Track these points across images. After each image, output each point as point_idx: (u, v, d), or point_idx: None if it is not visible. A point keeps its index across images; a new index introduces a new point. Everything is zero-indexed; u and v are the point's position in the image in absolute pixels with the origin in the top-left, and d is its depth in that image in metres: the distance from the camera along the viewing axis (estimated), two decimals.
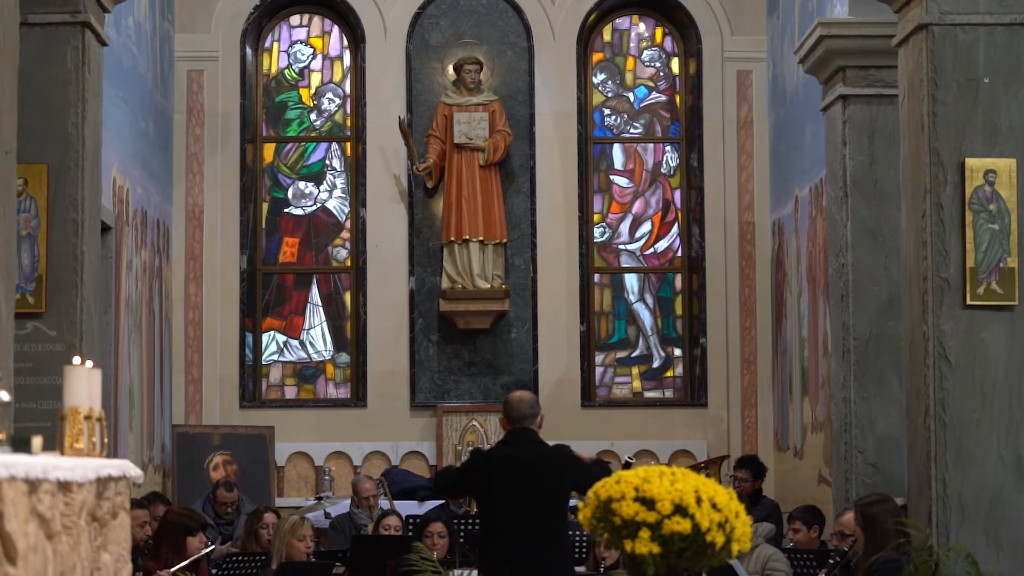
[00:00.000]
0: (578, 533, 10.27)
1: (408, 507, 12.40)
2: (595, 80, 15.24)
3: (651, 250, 15.16)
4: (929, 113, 8.55)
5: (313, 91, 15.19)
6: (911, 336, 8.76)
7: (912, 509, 8.66)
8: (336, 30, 15.22)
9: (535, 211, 14.75)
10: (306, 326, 14.99)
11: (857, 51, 10.95)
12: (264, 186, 15.06)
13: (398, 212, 14.77)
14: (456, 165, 14.44)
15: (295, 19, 15.24)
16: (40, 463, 4.15)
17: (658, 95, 15.30)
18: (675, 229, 15.15)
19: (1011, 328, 8.48)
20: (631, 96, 15.30)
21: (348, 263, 14.98)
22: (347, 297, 14.96)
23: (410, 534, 10.59)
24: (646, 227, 15.15)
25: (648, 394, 15.05)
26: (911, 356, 8.76)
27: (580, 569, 9.71)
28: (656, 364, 15.08)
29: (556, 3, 14.93)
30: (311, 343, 14.97)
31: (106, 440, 5.03)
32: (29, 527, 4.01)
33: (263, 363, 14.92)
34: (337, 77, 15.21)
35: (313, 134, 15.18)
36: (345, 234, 15.02)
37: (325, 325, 14.98)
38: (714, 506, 5.27)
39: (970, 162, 8.49)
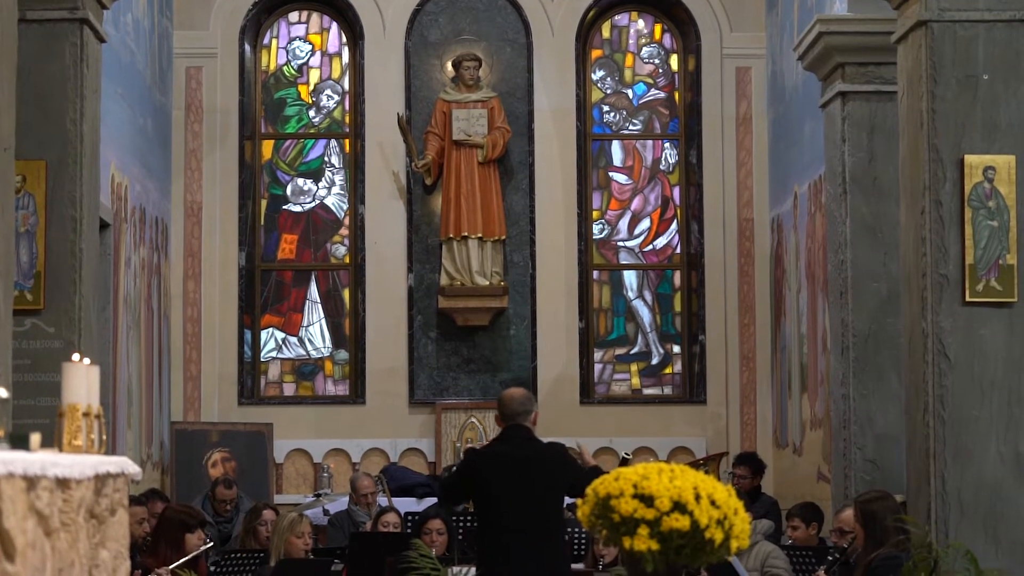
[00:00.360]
0: (577, 530, 10.26)
1: (407, 504, 12.41)
2: (594, 77, 15.24)
3: (650, 247, 15.15)
4: (928, 110, 8.55)
5: (312, 88, 15.19)
6: (910, 333, 8.76)
7: (911, 506, 8.66)
8: (335, 27, 15.21)
9: (534, 208, 14.74)
10: (305, 323, 14.98)
11: (856, 47, 10.95)
12: (263, 183, 15.06)
13: (397, 209, 14.76)
14: (455, 162, 14.43)
15: (294, 16, 15.23)
16: (38, 460, 4.14)
17: (657, 92, 15.29)
18: (674, 226, 15.14)
19: (1010, 325, 8.48)
20: (630, 93, 15.29)
21: (347, 260, 14.98)
22: (346, 294, 14.96)
23: (409, 531, 10.59)
24: (645, 224, 15.15)
25: (647, 391, 15.04)
26: (910, 353, 8.75)
27: (578, 566, 9.71)
28: (655, 361, 15.07)
29: (555, 0, 14.93)
30: (310, 340, 14.97)
31: (104, 437, 5.02)
32: (27, 524, 4.01)
33: (262, 360, 14.92)
34: (336, 74, 15.20)
35: (312, 131, 15.18)
36: (344, 231, 15.02)
37: (324, 322, 14.98)
38: (713, 503, 5.26)
39: (969, 159, 8.49)
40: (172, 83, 14.58)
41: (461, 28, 14.91)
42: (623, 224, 15.14)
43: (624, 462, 9.38)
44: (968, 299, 8.45)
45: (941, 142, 8.52)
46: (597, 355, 15.01)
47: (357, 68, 14.98)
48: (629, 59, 15.30)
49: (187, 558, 8.92)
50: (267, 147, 15.12)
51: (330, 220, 15.07)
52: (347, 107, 15.11)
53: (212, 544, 9.87)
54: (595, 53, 15.27)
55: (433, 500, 12.31)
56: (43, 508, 4.15)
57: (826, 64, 11.23)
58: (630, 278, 15.13)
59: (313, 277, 15.03)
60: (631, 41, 15.33)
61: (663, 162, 15.21)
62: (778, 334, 14.36)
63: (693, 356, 14.89)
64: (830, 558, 8.93)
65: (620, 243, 15.14)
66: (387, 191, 14.79)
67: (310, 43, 15.22)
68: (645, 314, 15.09)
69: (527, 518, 7.99)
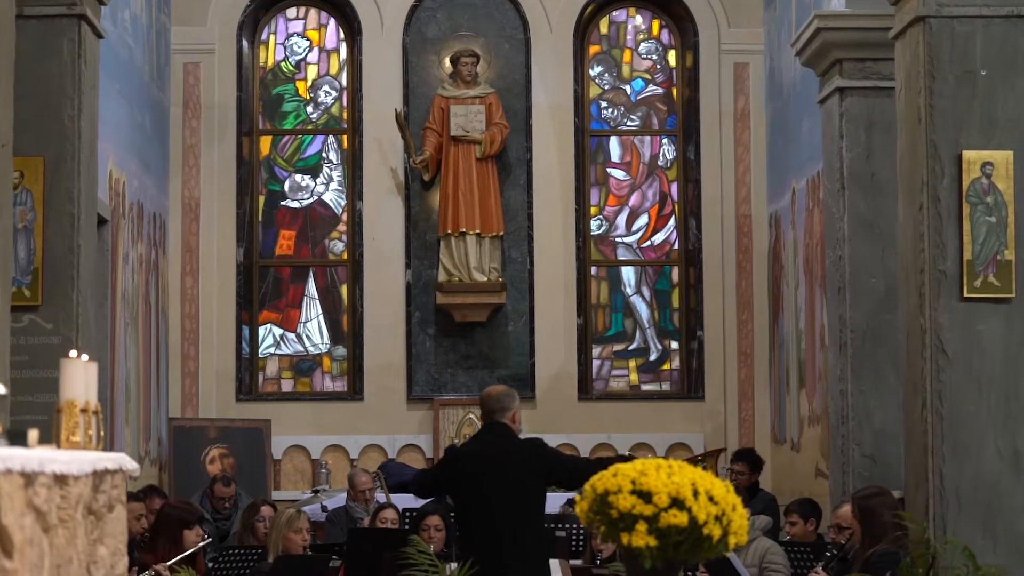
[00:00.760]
0: (575, 526, 10.26)
1: (405, 500, 12.37)
2: (592, 73, 15.23)
3: (648, 243, 15.15)
4: (926, 105, 8.54)
5: (310, 84, 15.18)
6: (908, 329, 8.76)
7: (909, 502, 8.66)
8: (333, 23, 15.21)
9: (532, 204, 14.74)
10: (303, 319, 14.98)
11: (854, 43, 10.94)
12: (261, 179, 15.05)
13: (395, 205, 14.76)
14: (453, 158, 14.43)
15: (291, 12, 15.23)
16: (36, 456, 4.14)
17: (655, 88, 15.29)
18: (672, 222, 15.14)
19: (1008, 321, 8.48)
20: (628, 89, 15.29)
21: (345, 256, 14.98)
22: (344, 290, 14.96)
23: (407, 527, 10.58)
24: (643, 220, 15.15)
25: (645, 387, 15.04)
26: (908, 349, 8.75)
27: (577, 562, 9.72)
28: (653, 357, 15.08)
29: None
30: (308, 336, 14.97)
31: (102, 433, 5.02)
32: (25, 520, 4.00)
33: (260, 356, 14.91)
34: (334, 70, 15.19)
35: (310, 127, 15.18)
36: (342, 227, 15.01)
37: (322, 318, 14.98)
38: (711, 499, 5.26)
39: (967, 154, 8.49)
40: (170, 79, 14.58)
41: (459, 24, 14.91)
42: (621, 220, 15.13)
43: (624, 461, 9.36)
44: (966, 295, 8.45)
45: (939, 138, 8.51)
46: (595, 351, 15.01)
47: (355, 64, 14.98)
48: (627, 55, 15.30)
49: (185, 554, 8.91)
50: (265, 143, 15.12)
51: (328, 216, 15.06)
52: (345, 103, 15.11)
53: (210, 540, 9.87)
54: (593, 49, 15.27)
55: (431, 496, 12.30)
56: (41, 504, 4.15)
57: (824, 60, 11.23)
58: (628, 274, 15.13)
59: (311, 273, 15.03)
60: (629, 37, 15.33)
61: (661, 158, 15.20)
62: (776, 330, 14.36)
63: (691, 352, 14.90)
64: (828, 554, 8.93)
65: (618, 239, 15.14)
66: (385, 187, 14.79)
67: (308, 39, 15.21)
68: (643, 310, 15.09)
69: (499, 513, 8.03)
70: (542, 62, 14.88)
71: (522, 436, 8.54)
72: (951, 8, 8.59)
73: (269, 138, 15.12)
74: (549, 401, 14.51)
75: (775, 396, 14.40)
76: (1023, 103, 8.57)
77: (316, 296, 14.99)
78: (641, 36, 15.31)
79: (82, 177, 8.94)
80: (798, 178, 13.44)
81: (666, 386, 15.06)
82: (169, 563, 8.76)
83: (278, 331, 14.97)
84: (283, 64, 15.19)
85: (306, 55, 15.19)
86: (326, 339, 14.97)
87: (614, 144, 15.24)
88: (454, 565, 8.75)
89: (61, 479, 4.34)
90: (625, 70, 15.30)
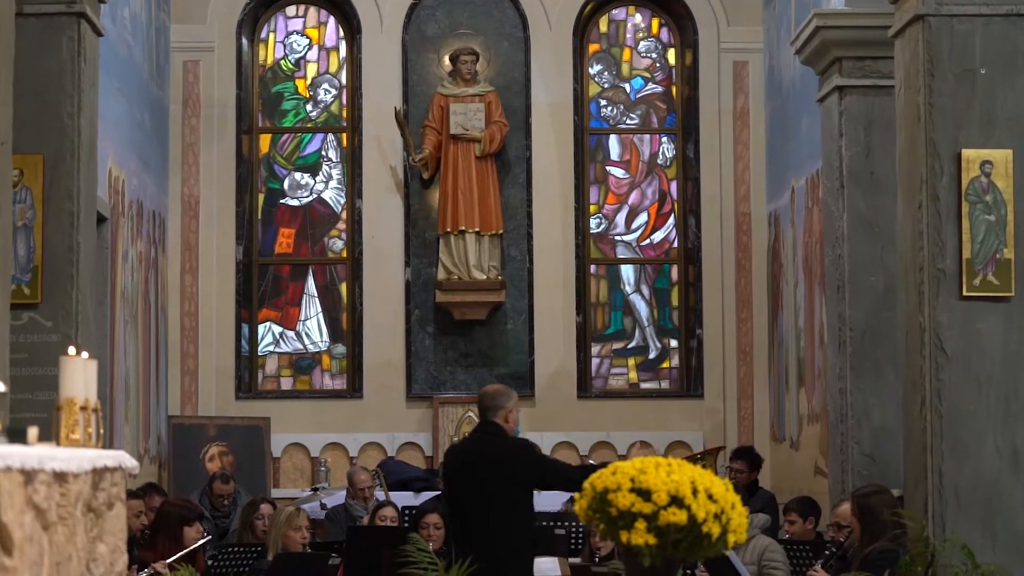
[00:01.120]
0: (574, 524, 10.26)
1: (404, 498, 12.40)
2: (591, 71, 15.23)
3: (647, 241, 15.15)
4: (925, 104, 8.54)
5: (309, 82, 15.18)
6: (907, 327, 8.76)
7: (908, 500, 8.66)
8: (332, 21, 15.21)
9: (531, 202, 14.74)
10: (302, 317, 14.98)
11: (853, 42, 10.94)
12: (260, 177, 15.05)
13: (394, 203, 14.76)
14: (452, 156, 14.43)
15: (291, 9, 15.22)
16: (36, 454, 4.14)
17: (654, 86, 15.29)
18: (671, 220, 15.14)
19: (1007, 319, 8.48)
20: (627, 87, 15.29)
21: (344, 254, 14.98)
22: (343, 288, 14.96)
23: (406, 525, 10.59)
24: (642, 218, 15.15)
25: (644, 385, 15.05)
26: (907, 347, 8.75)
27: (575, 560, 9.72)
28: (652, 355, 15.08)
29: None
30: (307, 334, 14.97)
31: (102, 431, 5.02)
32: (25, 518, 4.00)
33: (259, 354, 14.92)
34: (333, 68, 15.19)
35: (309, 125, 15.18)
36: (341, 225, 15.01)
37: (321, 316, 14.98)
38: (710, 497, 5.26)
39: (966, 153, 8.49)
40: (169, 77, 14.58)
41: (458, 22, 14.91)
42: (620, 218, 15.14)
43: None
44: (965, 293, 8.45)
45: (938, 136, 8.52)
46: (594, 349, 15.01)
47: (354, 62, 14.98)
48: (626, 53, 15.30)
49: (185, 552, 8.92)
50: (264, 141, 15.12)
51: (327, 214, 15.06)
52: (344, 101, 15.11)
53: (210, 538, 9.87)
54: (592, 47, 15.27)
55: (430, 494, 12.32)
56: (40, 502, 4.14)
57: (823, 58, 11.23)
58: (627, 272, 15.13)
59: (310, 271, 15.03)
60: (628, 35, 15.32)
61: (660, 156, 15.20)
62: (775, 328, 14.36)
63: (690, 350, 14.90)
64: (827, 552, 8.93)
65: (617, 237, 15.14)
66: (384, 185, 14.79)
67: (307, 37, 15.21)
68: (642, 308, 15.09)
69: (472, 514, 8.06)
70: (541, 60, 14.88)
71: (518, 437, 8.55)
72: (951, 7, 8.59)
73: (268, 136, 15.12)
74: (548, 399, 14.51)
75: (774, 394, 14.40)
76: (1022, 102, 8.56)
77: (315, 294, 14.99)
78: (640, 34, 15.31)
79: (81, 175, 8.94)
80: (797, 176, 13.44)
81: (665, 384, 15.06)
82: (169, 560, 8.76)
83: (277, 329, 14.97)
84: (283, 62, 15.18)
85: (305, 53, 15.19)
86: (325, 337, 14.97)
87: (613, 142, 15.24)
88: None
89: (61, 477, 4.34)
90: (624, 68, 15.30)
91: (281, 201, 15.05)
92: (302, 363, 14.96)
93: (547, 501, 11.39)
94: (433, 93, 14.65)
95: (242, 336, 14.73)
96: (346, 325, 14.90)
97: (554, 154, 14.82)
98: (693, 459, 12.62)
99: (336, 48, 15.21)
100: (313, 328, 14.97)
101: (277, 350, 14.97)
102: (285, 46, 15.19)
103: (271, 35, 15.19)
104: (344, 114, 15.11)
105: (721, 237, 14.82)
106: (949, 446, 8.37)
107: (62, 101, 8.89)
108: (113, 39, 11.66)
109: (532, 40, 14.87)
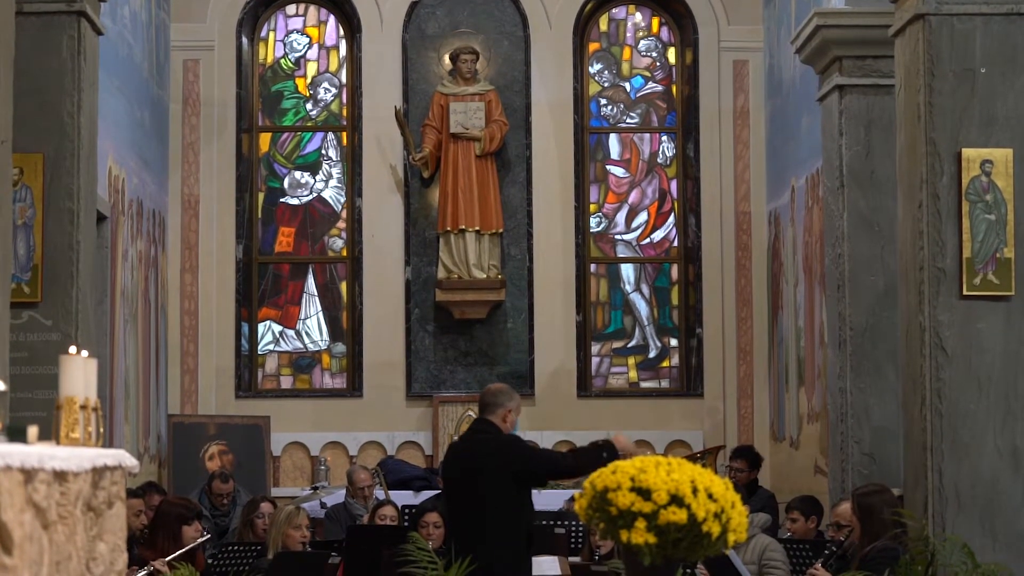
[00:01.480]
0: (573, 523, 10.26)
1: (404, 497, 12.40)
2: (591, 70, 15.23)
3: (647, 240, 15.15)
4: (926, 103, 8.54)
5: (309, 81, 15.18)
6: (907, 326, 8.76)
7: (908, 499, 8.66)
8: (332, 19, 15.21)
9: (531, 201, 14.74)
10: (302, 316, 14.98)
11: (853, 41, 10.94)
12: (260, 176, 15.05)
13: (394, 202, 14.76)
14: (452, 155, 14.42)
15: (291, 8, 15.22)
16: (36, 453, 4.14)
17: (654, 85, 15.29)
18: (671, 219, 15.14)
19: (1007, 318, 8.48)
20: (627, 86, 15.29)
21: (344, 253, 14.98)
22: (343, 287, 14.96)
23: (406, 524, 10.59)
24: (642, 217, 15.15)
25: (644, 384, 15.05)
26: (907, 346, 8.75)
27: (575, 559, 9.72)
28: (652, 354, 15.08)
29: None
30: (307, 333, 14.97)
31: (102, 430, 5.02)
32: (25, 517, 4.00)
33: (259, 353, 14.92)
34: (333, 67, 15.19)
35: (309, 124, 15.17)
36: (341, 224, 15.01)
37: (321, 315, 14.98)
38: (710, 496, 5.26)
39: (966, 152, 8.49)
40: (169, 76, 14.58)
41: (458, 21, 14.91)
42: (620, 217, 15.14)
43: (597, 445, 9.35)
44: (965, 293, 8.45)
45: (938, 136, 8.51)
46: (594, 348, 15.01)
47: (354, 61, 14.98)
48: (627, 52, 15.30)
49: (184, 550, 8.92)
50: (264, 140, 15.11)
51: (327, 213, 15.06)
52: (344, 100, 15.11)
53: (209, 536, 9.87)
54: (592, 46, 15.26)
55: (430, 493, 12.32)
56: (40, 501, 4.14)
57: (823, 58, 11.22)
58: (627, 271, 15.13)
59: (310, 270, 15.03)
60: (628, 34, 15.32)
61: (660, 155, 15.20)
62: (775, 328, 14.36)
63: (690, 349, 14.90)
64: (827, 551, 8.93)
65: (617, 236, 15.14)
66: (384, 184, 14.79)
67: (307, 36, 15.21)
68: (642, 307, 15.09)
69: (461, 512, 8.08)
70: (541, 59, 14.87)
71: (510, 433, 8.50)
72: (951, 6, 8.59)
73: (268, 135, 15.12)
74: (548, 398, 14.51)
75: (774, 393, 14.40)
76: (1022, 101, 8.57)
77: (315, 293, 14.99)
78: (641, 33, 15.31)
79: (81, 174, 8.94)
80: (797, 176, 13.44)
81: (665, 383, 15.06)
82: (168, 559, 8.76)
83: (277, 328, 14.97)
84: (282, 61, 15.18)
85: (305, 52, 15.19)
86: (325, 336, 14.97)
87: (613, 141, 15.24)
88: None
89: (60, 475, 4.34)
90: (625, 67, 15.30)
91: (281, 200, 15.05)
92: (302, 362, 14.96)
93: (547, 501, 11.40)
94: (433, 92, 14.65)
95: (242, 335, 14.73)
96: (346, 324, 14.90)
97: (554, 153, 14.82)
98: (693, 458, 12.64)
99: (336, 47, 15.20)
100: (313, 327, 14.97)
101: (277, 349, 14.97)
102: (285, 45, 15.18)
103: (271, 34, 15.19)
104: (344, 113, 15.11)
105: (721, 236, 14.82)
106: (949, 445, 8.37)
107: (62, 100, 8.89)
108: (113, 38, 11.66)
109: (532, 39, 14.87)
